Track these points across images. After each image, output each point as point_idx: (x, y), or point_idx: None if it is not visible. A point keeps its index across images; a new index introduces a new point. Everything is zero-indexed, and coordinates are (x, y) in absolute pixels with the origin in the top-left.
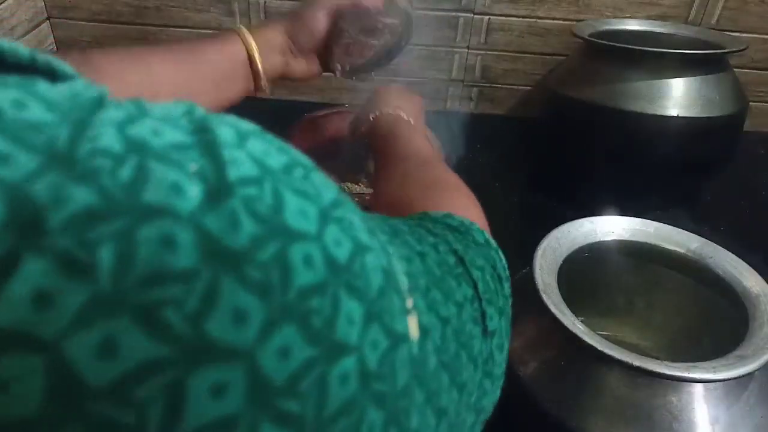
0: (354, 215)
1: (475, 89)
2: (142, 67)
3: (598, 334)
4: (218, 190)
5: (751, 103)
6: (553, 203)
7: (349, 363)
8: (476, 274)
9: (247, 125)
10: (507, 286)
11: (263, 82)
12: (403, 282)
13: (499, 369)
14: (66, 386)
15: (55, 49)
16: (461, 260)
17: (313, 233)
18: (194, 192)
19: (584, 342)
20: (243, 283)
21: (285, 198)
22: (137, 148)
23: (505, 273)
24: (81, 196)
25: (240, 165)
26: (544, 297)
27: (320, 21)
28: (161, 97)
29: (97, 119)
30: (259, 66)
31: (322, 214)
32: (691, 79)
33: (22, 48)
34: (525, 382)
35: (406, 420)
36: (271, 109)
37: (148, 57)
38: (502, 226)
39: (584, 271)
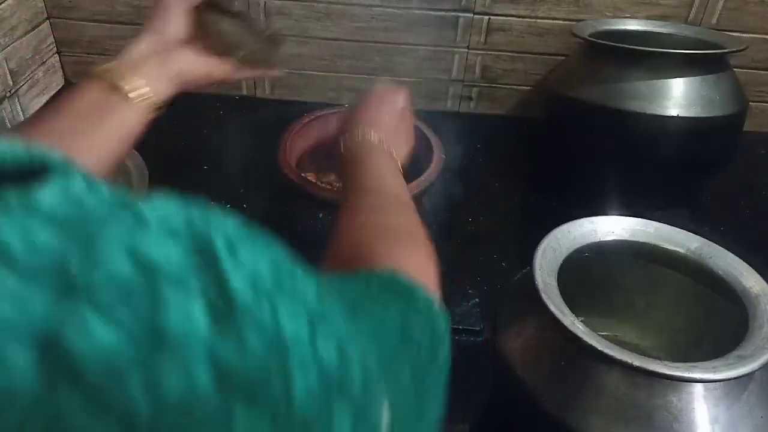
0: (334, 305)
1: (475, 89)
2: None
3: (599, 334)
4: (223, 311)
5: (751, 103)
6: (553, 203)
7: None
8: (414, 350)
9: (233, 226)
10: (443, 349)
11: (153, 98)
12: (380, 381)
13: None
14: None
15: (55, 49)
16: (401, 331)
17: (305, 339)
18: (203, 319)
19: (584, 342)
20: (253, 407)
21: (279, 307)
22: (148, 271)
23: (443, 337)
24: (104, 333)
25: (238, 279)
26: (544, 297)
27: (177, 20)
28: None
29: (103, 237)
30: (129, 87)
31: (311, 318)
32: (691, 79)
33: (20, 148)
34: (525, 382)
35: None
36: (271, 109)
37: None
38: (502, 227)
39: (584, 271)
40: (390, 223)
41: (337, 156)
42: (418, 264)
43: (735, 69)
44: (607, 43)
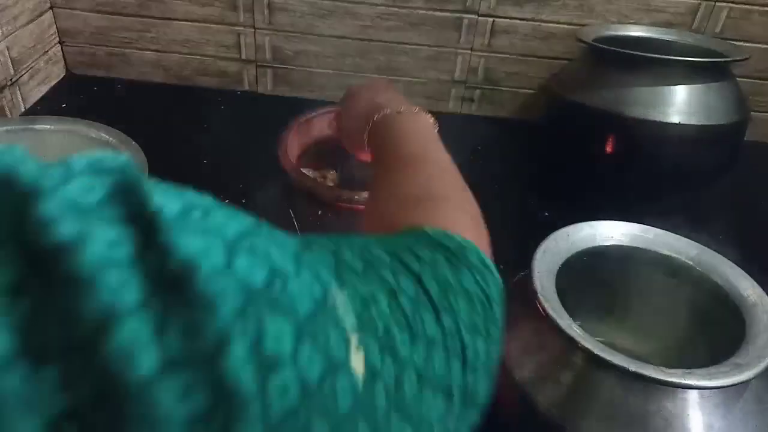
0: (271, 245)
1: (477, 91)
2: None
3: (595, 338)
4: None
5: (752, 113)
6: (553, 206)
7: (286, 375)
8: (460, 304)
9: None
10: (498, 310)
11: None
12: (348, 318)
13: (484, 394)
14: None
15: (57, 39)
16: (445, 291)
17: (220, 265)
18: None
19: (581, 346)
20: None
21: (179, 241)
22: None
23: (498, 296)
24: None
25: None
26: (542, 300)
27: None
28: None
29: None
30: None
31: (228, 247)
32: (694, 86)
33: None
34: (521, 385)
35: None
36: (272, 105)
37: None
38: (501, 229)
39: (583, 275)
40: (436, 186)
41: (367, 131)
42: (464, 228)
43: (738, 78)
44: (610, 48)
